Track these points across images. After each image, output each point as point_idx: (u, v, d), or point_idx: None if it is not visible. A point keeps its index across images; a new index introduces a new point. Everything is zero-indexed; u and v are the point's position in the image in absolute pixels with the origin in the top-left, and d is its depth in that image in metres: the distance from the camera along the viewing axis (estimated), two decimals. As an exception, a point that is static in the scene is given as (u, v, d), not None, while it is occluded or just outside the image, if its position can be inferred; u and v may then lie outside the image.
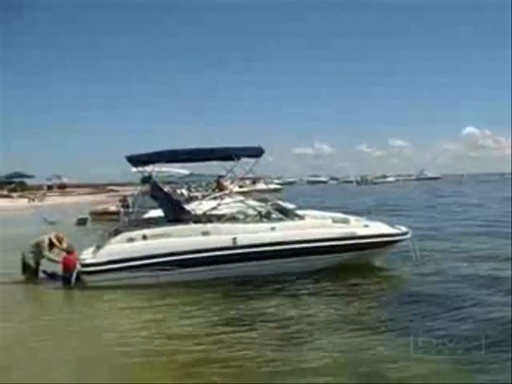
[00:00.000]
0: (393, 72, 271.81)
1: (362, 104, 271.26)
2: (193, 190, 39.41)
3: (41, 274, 12.67)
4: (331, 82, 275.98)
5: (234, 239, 12.01)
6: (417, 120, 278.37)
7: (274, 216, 13.00)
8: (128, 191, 45.10)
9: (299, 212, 14.02)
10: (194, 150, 13.32)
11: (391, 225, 13.55)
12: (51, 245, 12.75)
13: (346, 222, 13.20)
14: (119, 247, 11.84)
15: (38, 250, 12.68)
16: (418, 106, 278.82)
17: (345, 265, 12.36)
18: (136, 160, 12.98)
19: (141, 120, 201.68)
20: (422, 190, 66.03)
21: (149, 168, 13.50)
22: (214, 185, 28.38)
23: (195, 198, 23.48)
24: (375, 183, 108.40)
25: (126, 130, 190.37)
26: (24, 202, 54.45)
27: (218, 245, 11.94)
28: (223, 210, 13.58)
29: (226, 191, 16.75)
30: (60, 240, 12.81)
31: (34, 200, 55.95)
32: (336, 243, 12.40)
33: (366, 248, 12.71)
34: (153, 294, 11.00)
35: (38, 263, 12.70)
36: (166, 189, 14.32)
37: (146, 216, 16.59)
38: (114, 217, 27.76)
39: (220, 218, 12.80)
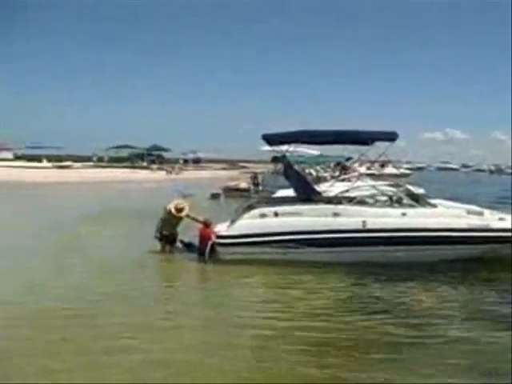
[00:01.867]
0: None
1: (495, 89, 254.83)
2: (321, 170, 39.38)
3: (178, 244, 13.19)
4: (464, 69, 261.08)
5: (364, 222, 11.84)
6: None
7: (405, 202, 12.66)
8: (258, 168, 45.98)
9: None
10: (329, 132, 13.20)
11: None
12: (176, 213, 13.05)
13: (480, 214, 12.60)
14: (252, 222, 12.08)
15: (167, 217, 13.03)
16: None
17: (475, 257, 11.82)
18: (272, 139, 13.08)
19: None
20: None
21: (283, 147, 13.58)
22: (341, 167, 28.22)
23: (323, 179, 23.44)
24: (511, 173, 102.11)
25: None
26: (162, 174, 57.06)
27: (348, 227, 11.81)
28: (354, 193, 13.42)
29: (354, 173, 16.54)
30: (179, 209, 13.03)
31: (171, 173, 58.46)
32: (469, 234, 11.84)
33: (501, 242, 12.02)
34: (280, 270, 11.15)
35: (173, 233, 13.21)
36: (298, 169, 14.33)
37: (275, 195, 16.78)
38: (245, 193, 28.43)
39: (351, 201, 12.66)
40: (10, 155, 67.98)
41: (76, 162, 65.00)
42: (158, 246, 13.01)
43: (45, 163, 62.78)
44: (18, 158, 68.27)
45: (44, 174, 49.62)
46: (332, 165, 41.20)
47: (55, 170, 56.16)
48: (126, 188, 38.15)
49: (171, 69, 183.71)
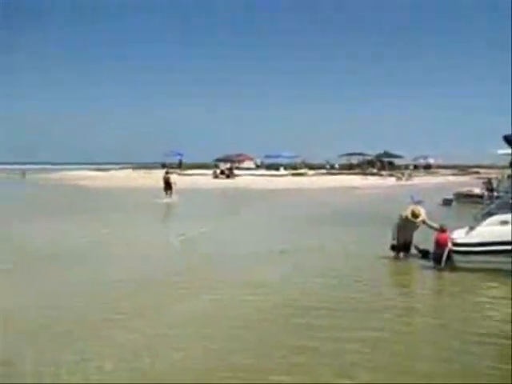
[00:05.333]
0: None
1: None
2: None
3: (413, 250, 12.69)
4: None
5: None
6: None
7: None
8: (491, 174, 42.87)
9: None
10: None
11: None
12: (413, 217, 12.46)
13: None
14: (492, 230, 11.18)
15: (402, 223, 12.55)
16: None
17: None
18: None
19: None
20: None
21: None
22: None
23: None
24: None
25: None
26: (392, 180, 56.24)
27: None
28: None
29: None
30: (416, 215, 12.41)
31: (401, 179, 57.27)
32: None
33: None
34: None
35: (407, 239, 12.70)
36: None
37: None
38: (478, 200, 26.63)
39: None
40: (252, 164, 72.43)
41: (310, 169, 67.01)
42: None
43: (282, 171, 65.77)
44: (258, 166, 72.46)
45: (281, 181, 52.04)
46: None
47: (291, 177, 58.53)
48: (356, 193, 38.33)
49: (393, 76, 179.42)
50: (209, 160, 72.76)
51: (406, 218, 12.49)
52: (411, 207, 12.78)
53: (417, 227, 12.64)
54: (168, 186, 31.85)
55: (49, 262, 12.33)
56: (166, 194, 31.49)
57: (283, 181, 52.38)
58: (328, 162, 73.68)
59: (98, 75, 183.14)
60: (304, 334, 7.13)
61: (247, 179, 53.55)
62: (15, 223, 19.19)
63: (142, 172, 66.84)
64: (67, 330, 7.30)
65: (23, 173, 73.33)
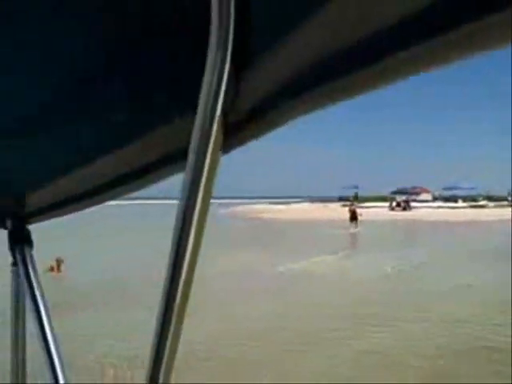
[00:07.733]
0: None
1: None
2: None
3: None
4: None
5: None
6: None
7: None
8: None
9: None
10: None
11: None
12: None
13: None
14: None
15: None
16: None
17: None
18: None
19: None
20: None
21: None
22: None
23: None
24: None
25: None
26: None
27: None
28: None
29: None
30: None
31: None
32: None
33: None
34: None
35: None
36: None
37: None
38: None
39: None
40: (429, 197, 71.71)
41: (491, 201, 64.87)
42: None
43: (460, 203, 64.45)
44: (435, 199, 71.50)
45: (458, 213, 51.06)
46: None
47: (470, 209, 57.21)
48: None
49: None
50: (384, 192, 73.52)
51: None
52: None
53: None
54: (354, 217, 33.93)
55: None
56: (352, 224, 33.44)
57: (460, 213, 51.35)
58: (510, 193, 70.21)
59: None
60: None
61: (424, 211, 53.46)
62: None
63: (320, 205, 69.57)
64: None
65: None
